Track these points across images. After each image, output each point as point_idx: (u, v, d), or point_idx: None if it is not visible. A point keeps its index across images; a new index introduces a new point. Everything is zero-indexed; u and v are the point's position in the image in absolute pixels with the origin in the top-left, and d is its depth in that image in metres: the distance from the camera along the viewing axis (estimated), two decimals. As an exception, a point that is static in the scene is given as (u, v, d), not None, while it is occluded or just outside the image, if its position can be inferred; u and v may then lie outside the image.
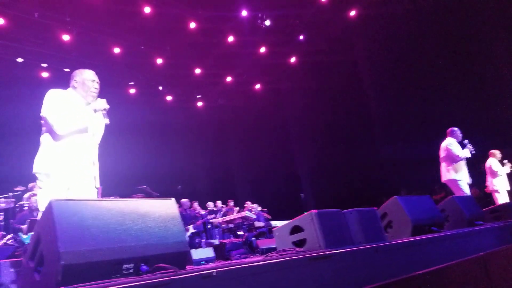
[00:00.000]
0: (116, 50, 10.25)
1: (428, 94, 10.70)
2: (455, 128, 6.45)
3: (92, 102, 2.94)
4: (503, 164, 7.65)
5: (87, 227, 1.51)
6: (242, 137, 14.51)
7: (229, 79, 13.17)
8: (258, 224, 8.86)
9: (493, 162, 7.68)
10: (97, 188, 2.98)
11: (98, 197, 3.06)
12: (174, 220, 1.89)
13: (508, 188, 7.66)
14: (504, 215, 4.49)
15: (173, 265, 1.64)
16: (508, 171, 7.65)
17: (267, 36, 11.35)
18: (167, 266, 1.59)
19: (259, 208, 11.02)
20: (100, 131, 3.05)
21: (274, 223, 9.54)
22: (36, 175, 2.77)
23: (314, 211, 2.65)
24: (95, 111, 2.89)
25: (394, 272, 2.22)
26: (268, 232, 9.31)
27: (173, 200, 2.02)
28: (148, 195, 7.39)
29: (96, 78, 3.03)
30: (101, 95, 3.14)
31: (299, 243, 2.71)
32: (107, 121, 2.92)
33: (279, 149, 14.38)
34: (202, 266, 1.96)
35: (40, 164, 2.75)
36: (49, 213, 1.47)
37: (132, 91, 12.18)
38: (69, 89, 2.96)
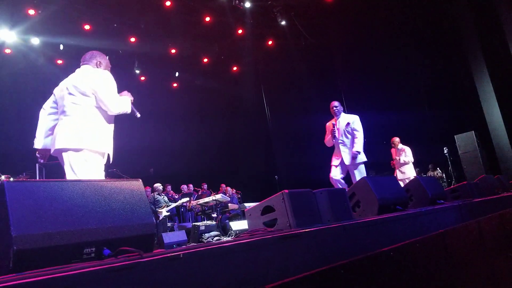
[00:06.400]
0: (87, 27, 9.87)
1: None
2: None
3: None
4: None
5: (45, 210, 1.44)
6: (217, 120, 14.39)
7: (205, 60, 12.96)
8: (231, 206, 8.90)
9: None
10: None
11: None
12: (140, 201, 1.84)
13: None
14: (463, 194, 4.72)
15: (138, 248, 1.60)
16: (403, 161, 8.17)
17: (245, 17, 11.20)
18: (131, 249, 1.54)
19: (233, 191, 11.06)
20: None
21: (248, 205, 9.59)
22: (80, 150, 2.82)
23: (285, 191, 2.66)
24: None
25: (361, 250, 2.28)
26: (242, 214, 9.37)
27: (140, 181, 1.97)
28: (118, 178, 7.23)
29: None
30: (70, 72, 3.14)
31: (270, 223, 2.73)
32: (138, 115, 3.19)
33: (254, 132, 14.40)
34: (170, 249, 1.93)
35: (86, 140, 2.85)
36: (1, 195, 1.39)
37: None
38: (105, 70, 3.16)
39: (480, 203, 4.13)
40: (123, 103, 3.04)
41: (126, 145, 11.31)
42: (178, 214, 10.00)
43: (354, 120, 5.67)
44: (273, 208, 2.72)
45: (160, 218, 8.68)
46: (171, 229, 8.52)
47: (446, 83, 11.31)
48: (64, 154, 2.84)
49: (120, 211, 1.71)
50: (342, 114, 5.79)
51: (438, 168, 11.71)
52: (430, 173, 11.70)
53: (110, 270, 1.31)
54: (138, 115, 3.20)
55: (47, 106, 3.16)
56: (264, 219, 2.77)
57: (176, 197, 9.94)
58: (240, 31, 11.81)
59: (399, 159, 8.12)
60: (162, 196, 9.45)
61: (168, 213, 9.09)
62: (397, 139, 8.39)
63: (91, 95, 2.92)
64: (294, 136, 13.53)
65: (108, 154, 3.03)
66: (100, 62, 3.21)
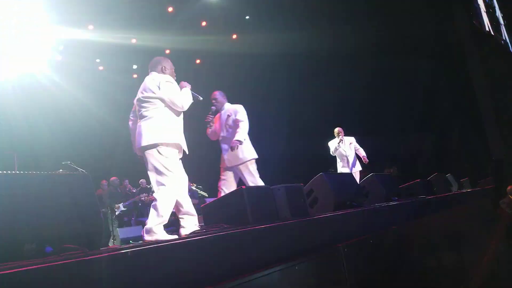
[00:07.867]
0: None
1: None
2: None
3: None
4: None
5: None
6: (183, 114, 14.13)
7: (167, 52, 12.67)
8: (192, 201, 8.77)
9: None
10: None
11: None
12: (87, 197, 1.75)
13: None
14: (417, 192, 4.91)
15: (84, 246, 1.51)
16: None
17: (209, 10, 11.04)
18: (75, 247, 1.46)
19: (194, 185, 10.91)
20: None
21: (208, 201, 9.49)
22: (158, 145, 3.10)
23: (243, 187, 2.67)
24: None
25: (316, 246, 2.30)
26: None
27: (87, 175, 1.87)
28: (73, 172, 6.88)
29: None
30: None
31: (228, 219, 2.70)
32: (200, 98, 3.55)
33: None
34: (117, 246, 1.85)
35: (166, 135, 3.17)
36: None
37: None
38: (168, 75, 3.44)
39: (433, 200, 4.32)
40: (187, 98, 3.35)
41: (84, 138, 10.92)
42: (136, 209, 9.74)
43: (237, 111, 4.60)
44: (231, 204, 2.70)
45: (117, 213, 8.42)
46: (128, 224, 8.30)
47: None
48: (146, 152, 3.15)
49: (65, 207, 1.62)
50: (226, 104, 4.74)
51: (394, 166, 12.11)
52: (386, 171, 12.10)
53: (51, 269, 1.22)
54: (200, 98, 3.54)
55: (132, 115, 3.54)
56: (222, 215, 2.74)
57: (134, 191, 9.67)
58: (203, 24, 11.64)
59: (364, 154, 7.21)
60: (119, 191, 9.18)
61: (125, 208, 8.83)
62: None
63: (160, 98, 3.24)
64: (254, 131, 13.52)
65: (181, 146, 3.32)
66: (164, 67, 3.53)
